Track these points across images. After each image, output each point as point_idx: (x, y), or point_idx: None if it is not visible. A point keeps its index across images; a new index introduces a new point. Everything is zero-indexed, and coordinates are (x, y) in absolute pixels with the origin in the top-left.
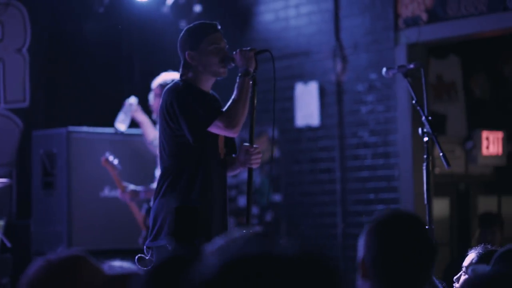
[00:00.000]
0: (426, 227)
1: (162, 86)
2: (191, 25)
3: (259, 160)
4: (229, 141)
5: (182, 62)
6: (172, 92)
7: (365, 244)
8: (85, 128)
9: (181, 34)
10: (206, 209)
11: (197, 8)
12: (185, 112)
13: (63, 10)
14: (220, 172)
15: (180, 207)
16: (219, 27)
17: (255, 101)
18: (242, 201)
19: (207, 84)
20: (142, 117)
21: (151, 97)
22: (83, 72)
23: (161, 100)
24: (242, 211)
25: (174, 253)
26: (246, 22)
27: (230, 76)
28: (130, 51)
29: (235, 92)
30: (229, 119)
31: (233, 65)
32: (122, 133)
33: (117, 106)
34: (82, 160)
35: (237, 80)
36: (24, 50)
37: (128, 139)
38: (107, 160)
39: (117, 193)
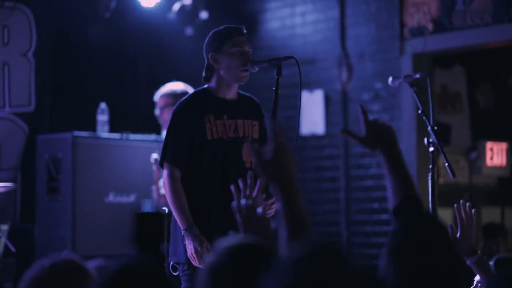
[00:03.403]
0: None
1: (166, 96)
2: (217, 28)
3: (273, 212)
4: None
5: (205, 64)
6: (173, 109)
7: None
8: (90, 133)
9: (207, 37)
10: (202, 221)
11: (203, 14)
12: (164, 137)
13: (69, 14)
14: (234, 181)
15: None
16: (245, 31)
17: (278, 106)
18: None
19: (230, 91)
20: None
21: (157, 110)
22: (89, 77)
23: None
24: None
25: (132, 261)
26: (252, 30)
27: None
28: (135, 57)
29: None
30: (165, 184)
31: (256, 69)
32: (127, 139)
33: (122, 111)
34: (87, 165)
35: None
36: (30, 54)
37: (133, 145)
38: None
39: (121, 198)
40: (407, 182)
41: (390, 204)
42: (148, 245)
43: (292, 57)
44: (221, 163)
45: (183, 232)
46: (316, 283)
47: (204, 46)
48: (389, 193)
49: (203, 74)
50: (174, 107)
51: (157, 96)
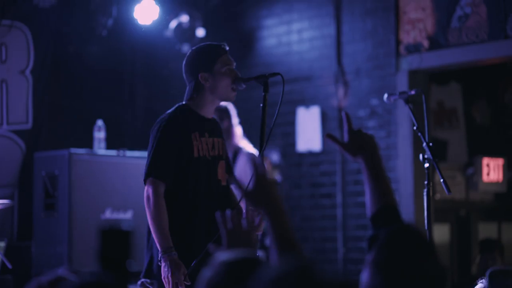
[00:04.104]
0: (434, 250)
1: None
2: (199, 46)
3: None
4: (229, 168)
5: (193, 83)
6: (157, 124)
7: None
8: (87, 150)
9: (190, 55)
10: (186, 237)
11: (200, 32)
12: (151, 152)
13: (67, 32)
14: (215, 199)
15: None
16: (227, 47)
17: (265, 123)
18: None
19: (211, 108)
20: None
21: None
22: (86, 95)
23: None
24: None
25: (92, 279)
26: (249, 47)
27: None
28: (132, 74)
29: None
30: (148, 199)
31: (244, 86)
32: (124, 156)
33: (119, 129)
34: (83, 182)
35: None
36: (27, 72)
37: (129, 162)
38: None
39: (118, 215)
40: (386, 191)
41: (368, 211)
42: (112, 263)
43: (278, 73)
44: (204, 181)
45: (160, 253)
46: None
47: (189, 66)
48: (368, 201)
49: (191, 95)
50: (161, 122)
51: None
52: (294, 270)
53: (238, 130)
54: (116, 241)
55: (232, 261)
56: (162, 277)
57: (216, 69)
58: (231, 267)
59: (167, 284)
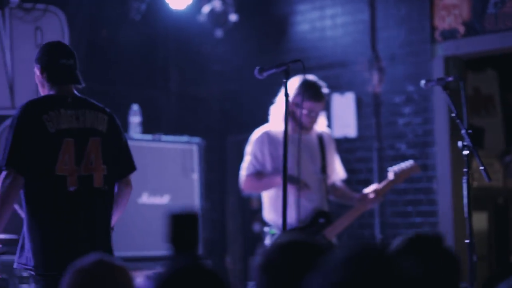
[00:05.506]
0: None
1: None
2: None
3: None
4: None
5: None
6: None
7: None
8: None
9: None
10: None
11: (233, 17)
12: (125, 147)
13: (101, 16)
14: None
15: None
16: None
17: (289, 108)
18: None
19: None
20: None
21: (313, 107)
22: (120, 79)
23: (116, 127)
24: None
25: (181, 264)
26: (282, 32)
27: None
28: (166, 59)
29: None
30: None
31: (264, 75)
32: (159, 140)
33: (152, 114)
34: None
35: None
36: None
37: (165, 146)
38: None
39: (155, 199)
40: None
41: None
42: (185, 247)
43: (299, 60)
44: None
45: None
46: (363, 284)
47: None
48: None
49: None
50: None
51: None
52: (369, 251)
53: None
54: (186, 224)
55: (288, 243)
56: None
57: None
58: (287, 248)
59: None
